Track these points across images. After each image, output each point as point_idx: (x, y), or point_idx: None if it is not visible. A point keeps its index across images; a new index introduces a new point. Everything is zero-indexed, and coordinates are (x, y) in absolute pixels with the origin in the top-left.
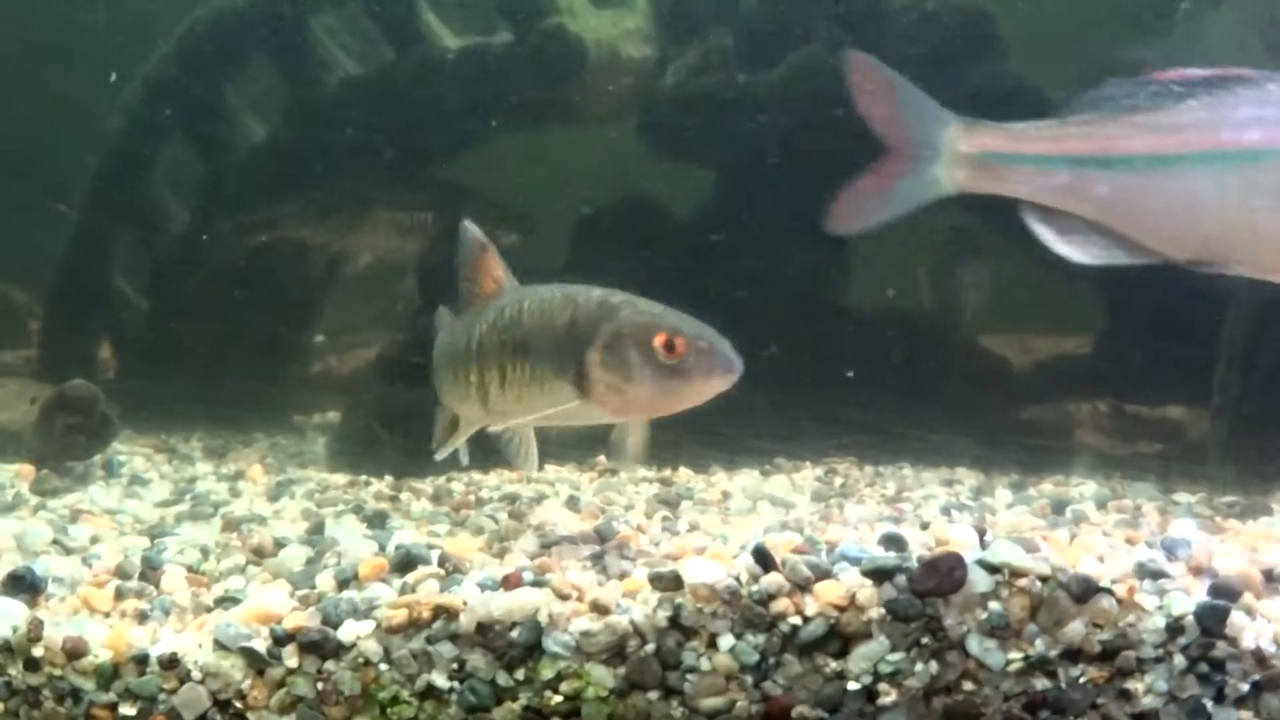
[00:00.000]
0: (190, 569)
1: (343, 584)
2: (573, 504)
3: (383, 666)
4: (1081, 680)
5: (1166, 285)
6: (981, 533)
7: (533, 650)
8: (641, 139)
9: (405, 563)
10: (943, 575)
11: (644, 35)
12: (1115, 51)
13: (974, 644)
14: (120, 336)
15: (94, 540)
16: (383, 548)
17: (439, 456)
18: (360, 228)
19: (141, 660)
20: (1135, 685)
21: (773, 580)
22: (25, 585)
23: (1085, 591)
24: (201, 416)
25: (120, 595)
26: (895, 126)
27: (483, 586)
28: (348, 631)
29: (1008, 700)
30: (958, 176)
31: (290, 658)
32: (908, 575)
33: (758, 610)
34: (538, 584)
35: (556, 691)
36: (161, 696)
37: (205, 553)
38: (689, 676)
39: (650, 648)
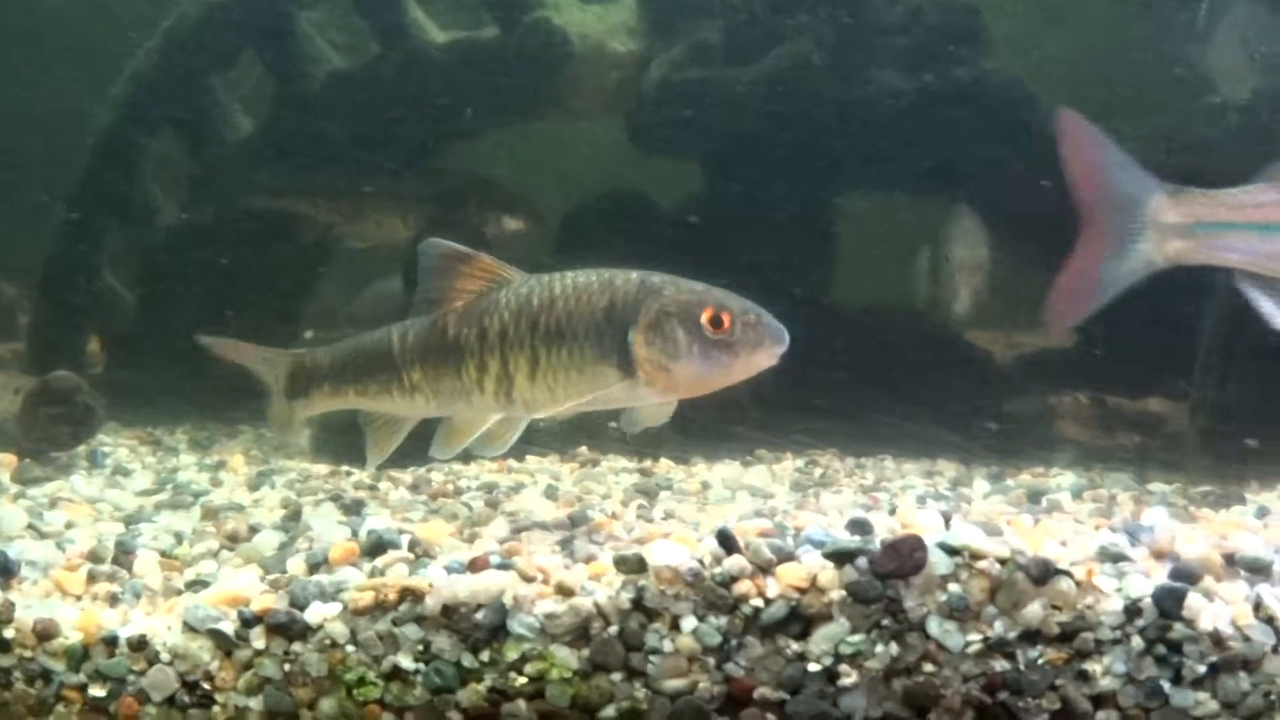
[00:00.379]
0: (163, 554)
1: (314, 568)
2: (551, 493)
3: (349, 648)
4: (1040, 662)
5: (1146, 280)
6: (947, 517)
7: (497, 632)
8: (627, 133)
9: (376, 547)
10: (903, 557)
11: (630, 30)
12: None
13: (934, 626)
14: (108, 329)
15: (69, 525)
16: (355, 533)
17: (443, 456)
18: (351, 220)
19: (111, 642)
20: (1093, 667)
21: (735, 563)
22: None
23: (1044, 574)
24: (188, 409)
25: (92, 578)
26: (1098, 195)
27: (449, 569)
28: (315, 613)
29: (967, 682)
30: (1169, 250)
31: (258, 639)
32: (869, 558)
33: (720, 592)
34: (504, 567)
35: (521, 673)
36: (130, 678)
37: (179, 538)
38: (652, 658)
39: (614, 629)
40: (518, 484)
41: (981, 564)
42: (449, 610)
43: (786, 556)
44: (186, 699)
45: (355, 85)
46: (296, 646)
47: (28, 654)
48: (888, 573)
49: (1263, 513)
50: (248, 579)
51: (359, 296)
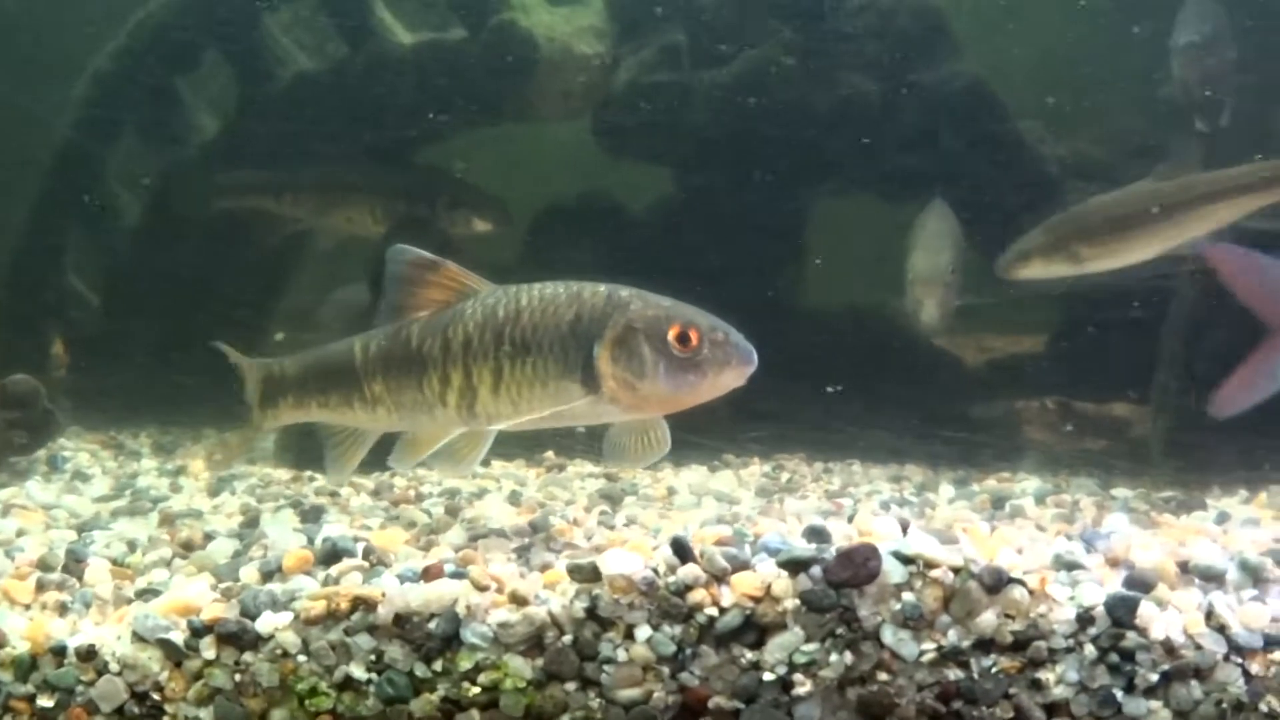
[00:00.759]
0: (115, 562)
1: (267, 576)
2: (514, 499)
3: (301, 658)
4: (993, 670)
5: (1111, 288)
6: (905, 525)
7: (451, 641)
8: (594, 136)
9: (331, 555)
10: (857, 566)
11: (598, 32)
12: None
13: (888, 634)
14: (72, 332)
15: (20, 534)
16: (311, 541)
17: (402, 468)
18: (318, 220)
19: (59, 652)
20: (1046, 675)
21: (689, 571)
22: None
23: (997, 582)
24: (152, 413)
25: (41, 587)
26: (1271, 305)
27: (403, 578)
28: (266, 623)
29: (921, 691)
30: None
31: (208, 649)
32: (823, 566)
33: (674, 601)
34: (457, 575)
35: (474, 683)
36: (79, 688)
37: (133, 546)
38: (606, 667)
39: (568, 639)
40: (481, 490)
41: (935, 573)
42: (401, 619)
43: (741, 565)
44: (135, 710)
45: (321, 86)
46: (247, 656)
47: None
48: (841, 581)
49: (1223, 518)
50: (199, 588)
51: (326, 301)
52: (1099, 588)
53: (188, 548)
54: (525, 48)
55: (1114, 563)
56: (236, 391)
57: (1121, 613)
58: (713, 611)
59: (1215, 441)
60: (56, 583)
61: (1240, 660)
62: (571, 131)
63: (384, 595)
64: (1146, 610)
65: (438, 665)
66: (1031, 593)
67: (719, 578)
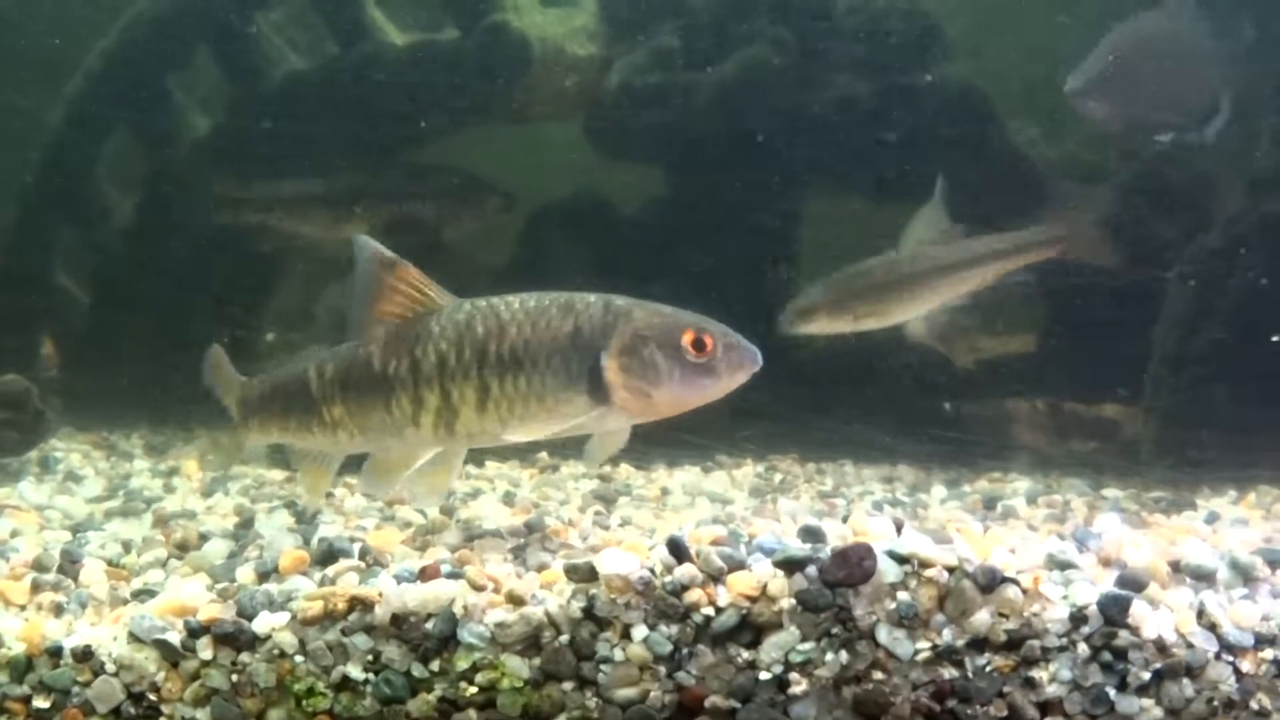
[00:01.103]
0: (110, 563)
1: (263, 577)
2: (509, 499)
3: (298, 658)
4: (988, 669)
5: (1102, 289)
6: (899, 525)
7: (448, 641)
8: (587, 137)
9: (327, 556)
10: (852, 565)
11: (591, 34)
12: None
13: (883, 634)
14: (63, 332)
15: (14, 534)
16: (307, 541)
17: (377, 494)
18: (312, 223)
19: (55, 653)
20: (1040, 674)
21: (686, 571)
22: None
23: (991, 581)
24: (144, 413)
25: (37, 588)
26: None
27: (399, 578)
28: (263, 623)
29: (916, 689)
30: None
31: (205, 650)
32: (818, 566)
33: (671, 601)
34: (454, 576)
35: (472, 683)
36: (75, 689)
37: (127, 547)
38: (603, 667)
39: (565, 638)
40: (475, 490)
41: (930, 572)
42: (399, 620)
43: (737, 565)
44: (132, 710)
45: (312, 85)
46: (244, 657)
47: None
48: (837, 581)
49: (1212, 518)
50: (195, 589)
51: (320, 302)
52: (1091, 587)
53: (183, 548)
54: (518, 49)
55: (1106, 562)
56: (218, 404)
57: (1114, 611)
58: (709, 611)
59: (1205, 442)
60: (52, 583)
61: (1231, 658)
62: (564, 132)
63: (381, 595)
64: (1138, 609)
65: (435, 665)
66: (1025, 592)
67: (715, 577)
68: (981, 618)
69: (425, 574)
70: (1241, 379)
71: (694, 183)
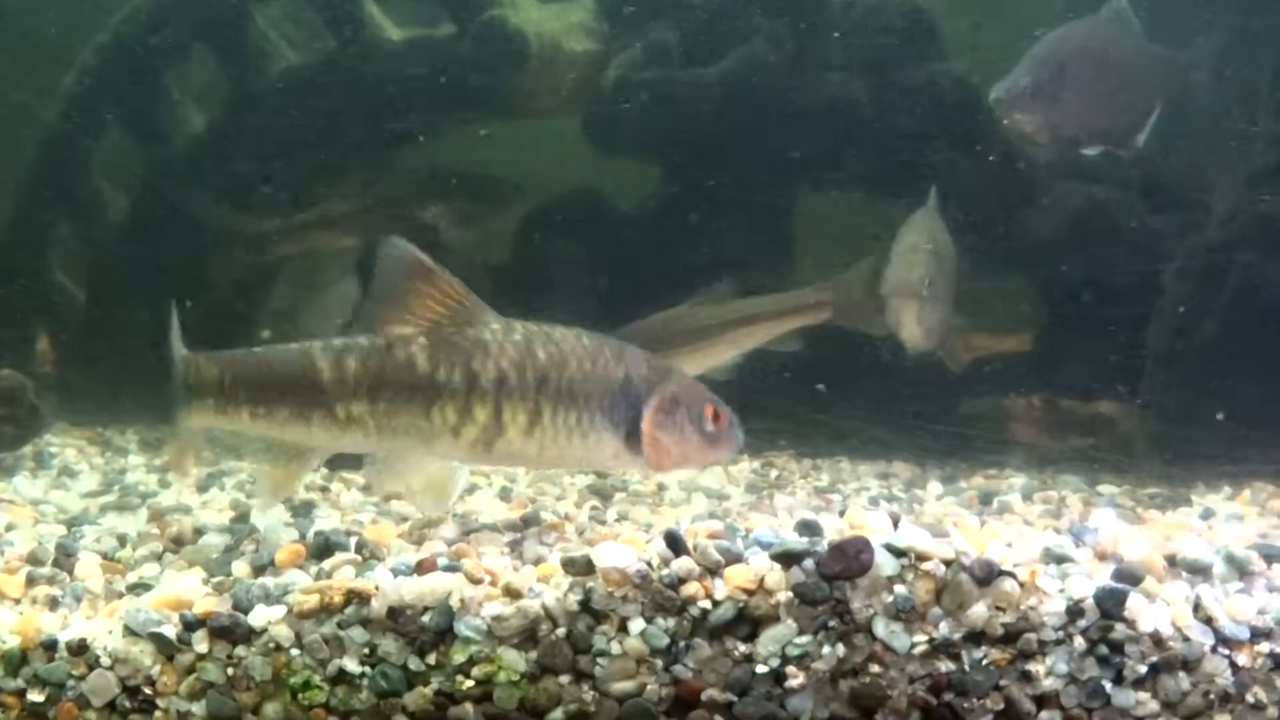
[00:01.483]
0: (105, 556)
1: (259, 570)
2: (505, 495)
3: (294, 652)
4: (984, 662)
5: (1098, 286)
6: (896, 519)
7: (444, 635)
8: (584, 133)
9: (323, 549)
10: (849, 559)
11: (588, 29)
12: None
13: (880, 627)
14: (58, 328)
15: (9, 528)
16: (303, 535)
17: (378, 492)
18: (307, 220)
19: (50, 646)
20: (1036, 667)
21: (683, 564)
22: None
23: (988, 575)
24: (140, 410)
25: (32, 581)
26: None
27: (396, 571)
28: (258, 616)
29: (913, 683)
30: None
31: (200, 643)
32: (815, 559)
33: (668, 594)
34: (451, 569)
35: (468, 676)
36: (70, 683)
37: (123, 541)
38: (600, 660)
39: (561, 631)
40: (471, 485)
41: (927, 565)
42: (395, 613)
43: (734, 558)
44: (127, 704)
45: (309, 81)
46: (240, 650)
47: None
48: (834, 574)
49: (1208, 514)
50: (190, 582)
51: (311, 298)
52: (1088, 580)
53: (179, 542)
54: (514, 44)
55: (1102, 556)
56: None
57: (1110, 605)
58: (706, 604)
59: (1200, 438)
60: (47, 577)
61: (1227, 652)
62: (561, 129)
63: (378, 588)
64: (1135, 602)
65: (431, 658)
66: (1022, 585)
67: (712, 571)
68: (978, 611)
69: (422, 567)
70: (1236, 375)
71: (692, 177)
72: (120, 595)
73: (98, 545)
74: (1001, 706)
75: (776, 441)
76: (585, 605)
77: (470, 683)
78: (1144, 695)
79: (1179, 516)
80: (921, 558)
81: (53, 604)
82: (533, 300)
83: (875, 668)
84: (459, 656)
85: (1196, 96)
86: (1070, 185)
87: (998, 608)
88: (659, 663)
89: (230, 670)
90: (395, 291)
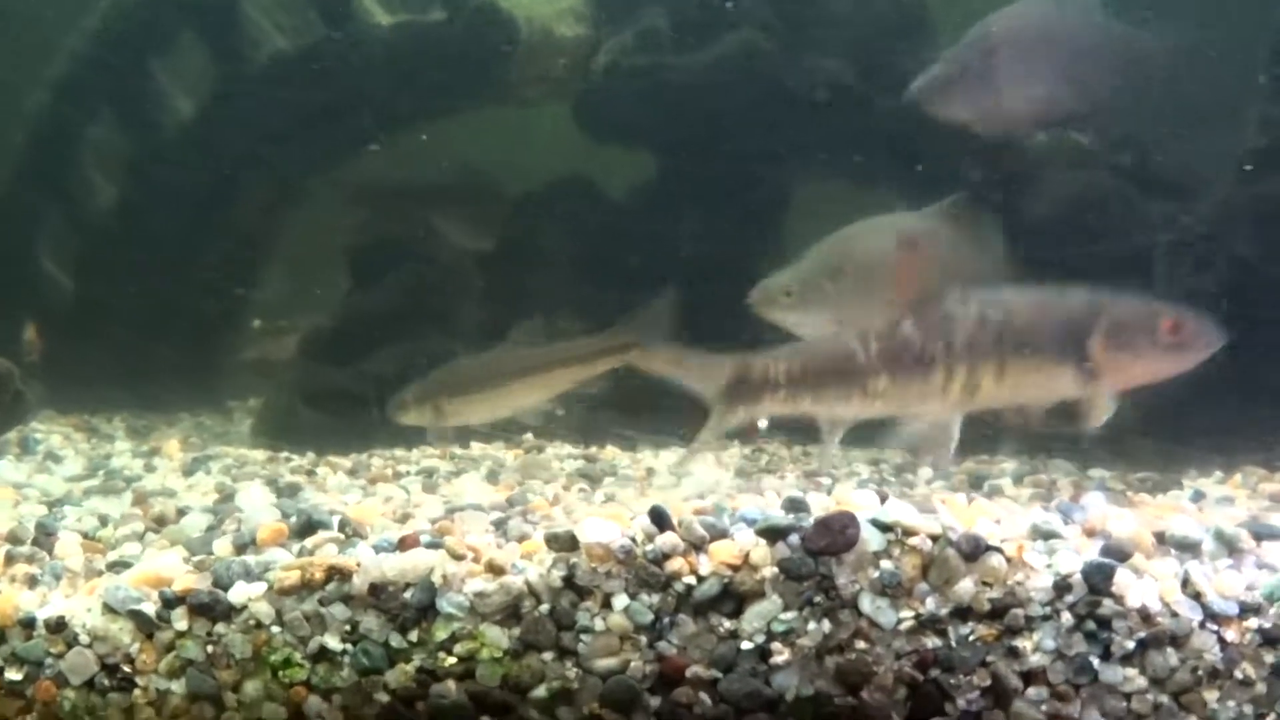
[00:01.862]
0: (86, 536)
1: (241, 549)
2: (493, 478)
3: (274, 629)
4: (971, 638)
5: (1088, 270)
6: (883, 496)
7: (426, 611)
8: (575, 119)
9: (305, 528)
10: (835, 533)
11: (579, 15)
12: None
13: (866, 603)
14: (47, 316)
15: None
16: (287, 515)
17: (942, 463)
18: (297, 208)
19: (29, 624)
20: (1024, 643)
21: (667, 540)
22: None
23: (975, 550)
24: (127, 397)
25: (10, 560)
26: None
27: (378, 548)
28: (238, 593)
29: (899, 659)
30: None
31: (180, 620)
32: (801, 534)
33: (652, 570)
34: (434, 545)
35: (450, 653)
36: (49, 661)
37: (104, 521)
38: (583, 637)
39: (545, 608)
40: (459, 469)
41: (913, 540)
42: (377, 589)
43: (720, 534)
44: (106, 682)
45: (298, 68)
46: (220, 627)
47: None
48: (820, 549)
49: (1198, 497)
50: (171, 560)
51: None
52: (1076, 555)
53: (161, 522)
54: (505, 30)
55: (1091, 533)
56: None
57: (1098, 580)
58: (690, 580)
59: (1191, 423)
60: (26, 555)
61: (1216, 628)
62: (552, 115)
63: (359, 565)
64: (1123, 578)
65: (414, 635)
66: (1009, 560)
67: (697, 546)
68: (965, 586)
69: (404, 544)
70: (1229, 359)
71: (684, 164)
72: (100, 574)
73: (79, 525)
74: (989, 683)
75: (768, 429)
76: (569, 581)
77: (452, 660)
78: (1132, 671)
79: (1169, 499)
80: (908, 533)
81: (31, 582)
82: (520, 288)
83: (861, 644)
84: (441, 633)
85: (1181, 79)
86: (1053, 172)
87: (985, 583)
88: (643, 639)
89: (210, 648)
90: (898, 271)
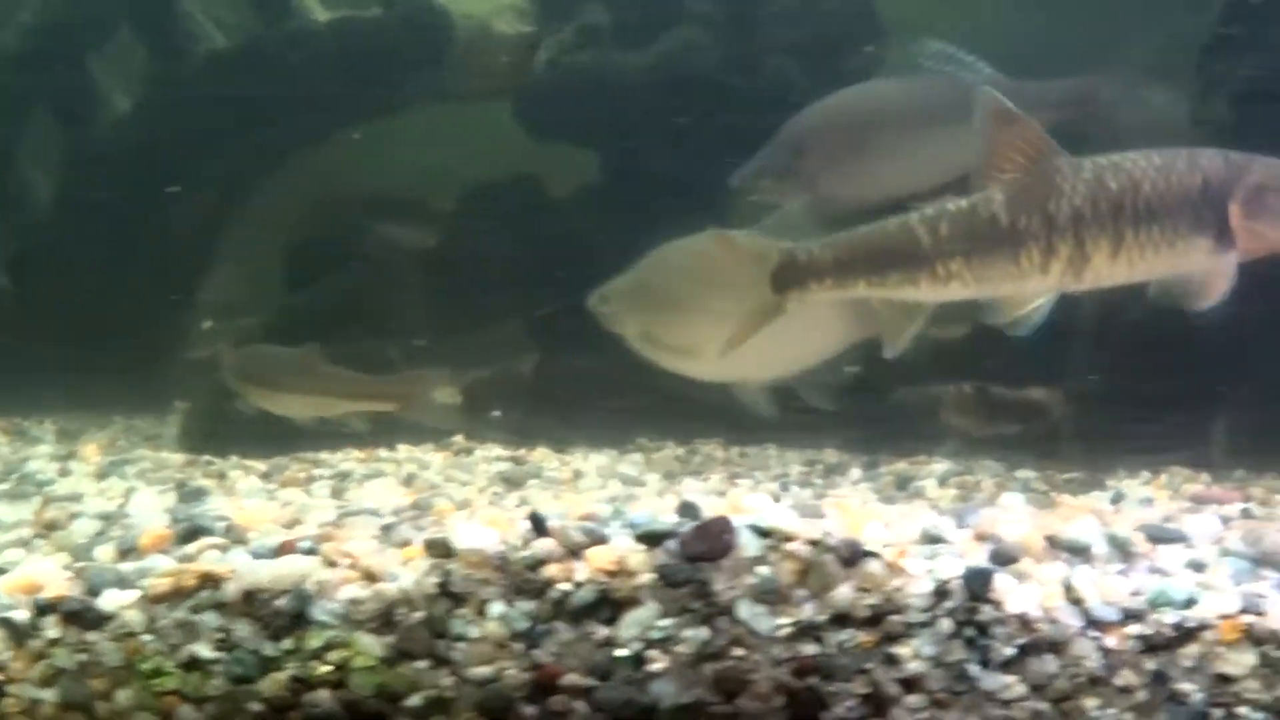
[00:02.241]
0: None
1: (124, 555)
2: (408, 481)
3: (146, 637)
4: (849, 645)
5: None
6: (776, 500)
7: (299, 619)
8: (515, 117)
9: (189, 533)
10: (712, 539)
11: (520, 12)
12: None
13: (744, 609)
14: None
15: None
16: (177, 520)
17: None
18: (241, 206)
19: None
20: (902, 650)
21: (544, 545)
22: None
23: (853, 556)
24: (63, 400)
25: None
26: None
27: (256, 554)
28: (109, 601)
29: (777, 666)
30: None
31: (52, 628)
32: (680, 540)
33: (528, 576)
34: (310, 551)
35: (324, 661)
36: None
37: None
38: (458, 644)
39: (419, 615)
40: (376, 472)
41: (791, 546)
42: (250, 597)
43: (598, 539)
44: None
45: (235, 64)
46: (91, 635)
47: None
48: (697, 555)
49: (1118, 498)
50: (48, 566)
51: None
52: (958, 560)
53: (51, 528)
54: (439, 24)
55: (982, 537)
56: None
57: (977, 586)
58: (567, 586)
59: (1122, 423)
60: None
61: (1096, 634)
62: (491, 113)
63: (233, 572)
64: (1002, 583)
65: (286, 643)
66: (889, 566)
67: (574, 552)
68: (843, 593)
69: (281, 549)
70: (1161, 360)
71: (627, 163)
72: None
73: None
74: (867, 690)
75: (709, 429)
76: (444, 588)
77: (326, 668)
78: (1011, 678)
79: (1090, 500)
80: (786, 539)
81: None
82: (464, 283)
83: (738, 651)
84: (314, 641)
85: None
86: None
87: (863, 589)
88: (519, 646)
89: (82, 656)
90: (984, 143)
